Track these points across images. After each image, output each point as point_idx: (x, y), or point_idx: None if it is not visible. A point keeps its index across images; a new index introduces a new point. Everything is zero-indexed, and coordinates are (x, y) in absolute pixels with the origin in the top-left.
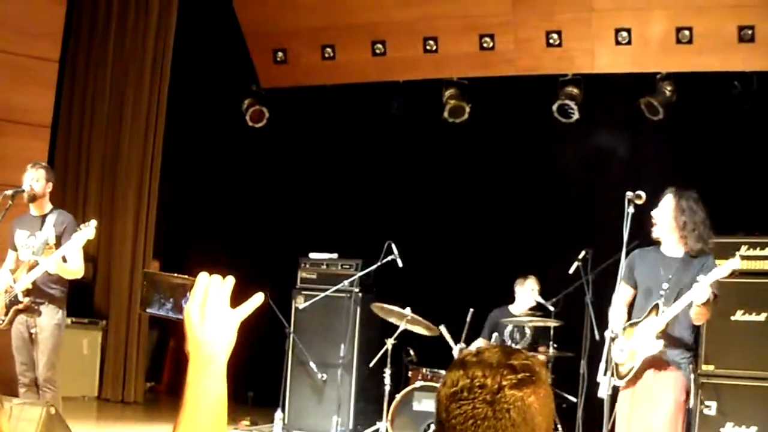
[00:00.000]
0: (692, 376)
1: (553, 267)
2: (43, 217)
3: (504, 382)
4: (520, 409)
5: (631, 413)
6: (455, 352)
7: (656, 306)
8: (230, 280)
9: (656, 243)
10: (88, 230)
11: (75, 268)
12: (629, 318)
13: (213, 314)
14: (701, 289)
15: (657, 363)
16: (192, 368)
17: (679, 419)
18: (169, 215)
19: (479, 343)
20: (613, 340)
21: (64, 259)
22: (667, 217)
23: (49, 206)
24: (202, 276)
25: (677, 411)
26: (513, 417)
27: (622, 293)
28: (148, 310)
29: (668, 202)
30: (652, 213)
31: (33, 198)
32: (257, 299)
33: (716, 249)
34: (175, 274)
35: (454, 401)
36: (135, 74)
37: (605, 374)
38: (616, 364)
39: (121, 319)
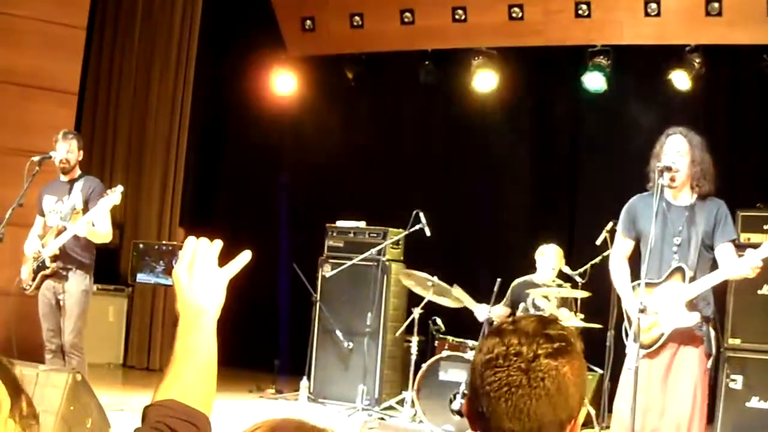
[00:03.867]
0: (713, 334)
1: (580, 238)
2: (72, 183)
3: (540, 351)
4: (555, 379)
5: (651, 384)
6: (478, 313)
7: (680, 269)
8: (218, 243)
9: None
10: (115, 195)
11: (103, 233)
12: (633, 274)
13: (201, 274)
14: (752, 266)
15: (681, 332)
16: (181, 325)
17: (705, 387)
18: (195, 183)
19: (499, 309)
20: (642, 312)
21: (92, 224)
22: (684, 162)
23: (78, 172)
24: (190, 239)
25: (702, 380)
26: (547, 386)
27: (622, 246)
28: (138, 278)
29: (682, 143)
30: (671, 160)
31: (68, 170)
32: (244, 257)
33: (744, 222)
34: (163, 242)
35: (489, 368)
36: (162, 42)
37: (634, 342)
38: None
39: (146, 286)
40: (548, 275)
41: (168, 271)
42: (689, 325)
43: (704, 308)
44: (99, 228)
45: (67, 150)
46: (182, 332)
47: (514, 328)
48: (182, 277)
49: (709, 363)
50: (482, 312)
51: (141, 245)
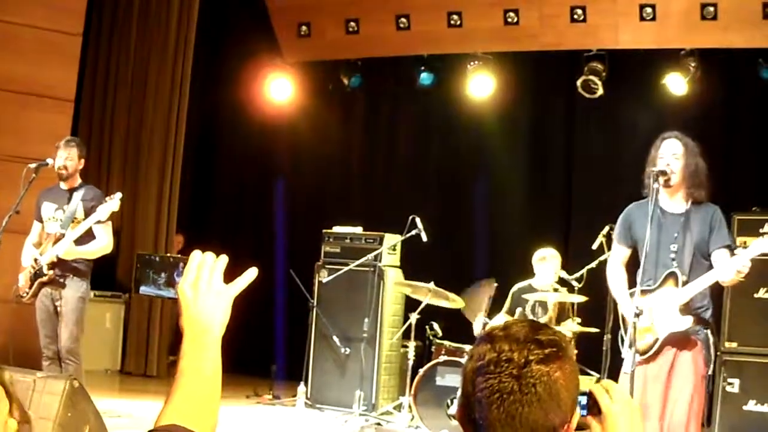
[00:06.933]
0: (711, 340)
1: (576, 242)
2: (71, 192)
3: (531, 357)
4: (546, 384)
5: (648, 389)
6: (476, 325)
7: (673, 274)
8: (223, 258)
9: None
10: (113, 202)
11: (97, 247)
12: (632, 283)
13: (206, 290)
14: (742, 265)
15: (677, 336)
16: (186, 342)
17: (702, 393)
18: (192, 189)
19: (501, 317)
20: (637, 316)
21: (91, 236)
22: (680, 165)
23: (78, 181)
24: (195, 253)
25: (699, 386)
26: (539, 392)
27: (618, 254)
28: (142, 289)
29: (678, 147)
30: (667, 165)
31: (66, 177)
32: (250, 274)
33: (739, 226)
34: (168, 254)
35: (480, 375)
36: (158, 48)
37: (630, 348)
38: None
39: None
40: (548, 280)
41: (169, 284)
42: (682, 329)
43: (702, 312)
44: (96, 242)
45: (65, 158)
46: (186, 351)
47: (505, 334)
48: (188, 293)
49: (710, 370)
50: (479, 325)
51: (145, 256)
